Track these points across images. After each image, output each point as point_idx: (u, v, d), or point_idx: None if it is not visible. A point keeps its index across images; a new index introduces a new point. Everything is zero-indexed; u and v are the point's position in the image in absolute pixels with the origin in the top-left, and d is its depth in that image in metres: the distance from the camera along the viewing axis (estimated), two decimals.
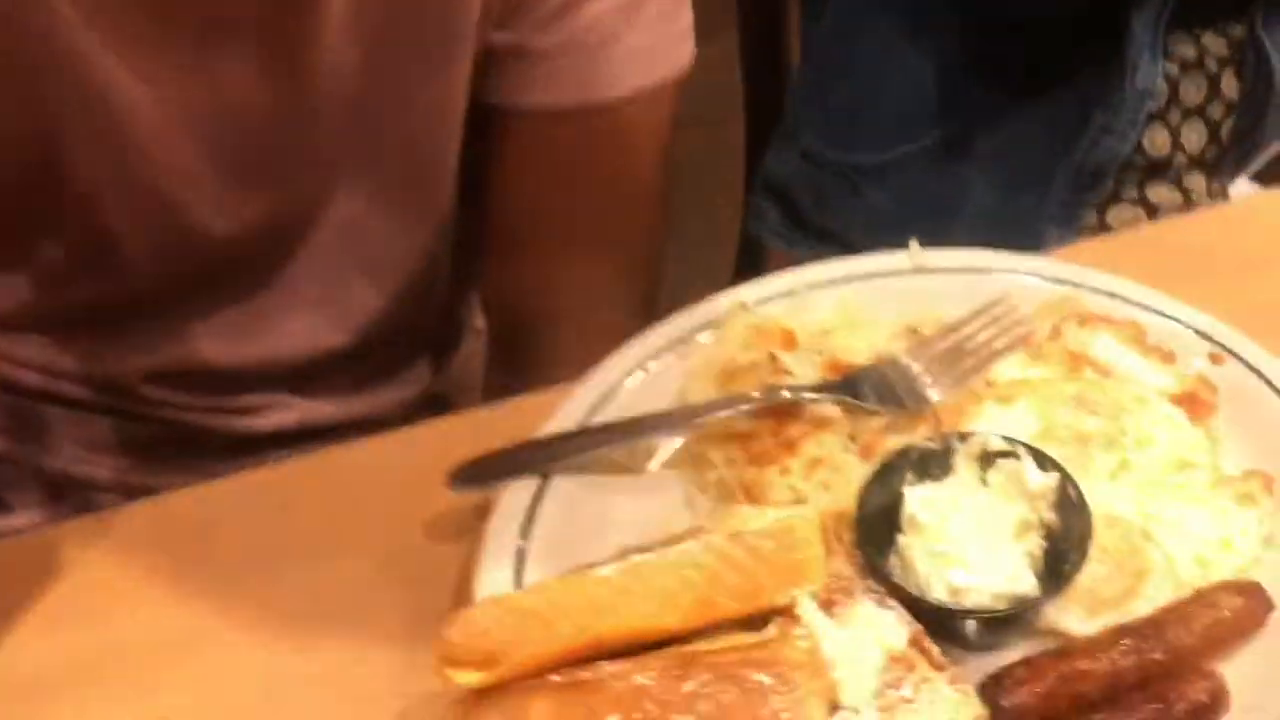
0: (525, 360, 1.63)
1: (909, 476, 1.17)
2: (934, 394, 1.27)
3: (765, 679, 0.89)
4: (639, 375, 1.32)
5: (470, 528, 1.18)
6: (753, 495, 1.21)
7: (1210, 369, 1.36)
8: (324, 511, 1.25)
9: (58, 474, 1.55)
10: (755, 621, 0.98)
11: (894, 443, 1.23)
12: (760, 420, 1.24)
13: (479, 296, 1.74)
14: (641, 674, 0.91)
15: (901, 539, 1.12)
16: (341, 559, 1.20)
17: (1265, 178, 2.45)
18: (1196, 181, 2.28)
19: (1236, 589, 1.12)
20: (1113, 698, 1.03)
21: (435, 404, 1.75)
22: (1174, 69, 2.16)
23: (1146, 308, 1.41)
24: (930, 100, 2.27)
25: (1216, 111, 2.24)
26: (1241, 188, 2.40)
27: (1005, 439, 1.17)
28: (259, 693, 1.11)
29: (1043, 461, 1.14)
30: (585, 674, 0.92)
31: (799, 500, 1.18)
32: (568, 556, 1.10)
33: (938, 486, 1.16)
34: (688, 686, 0.89)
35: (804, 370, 1.28)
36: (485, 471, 1.17)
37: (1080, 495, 1.11)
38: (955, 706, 0.91)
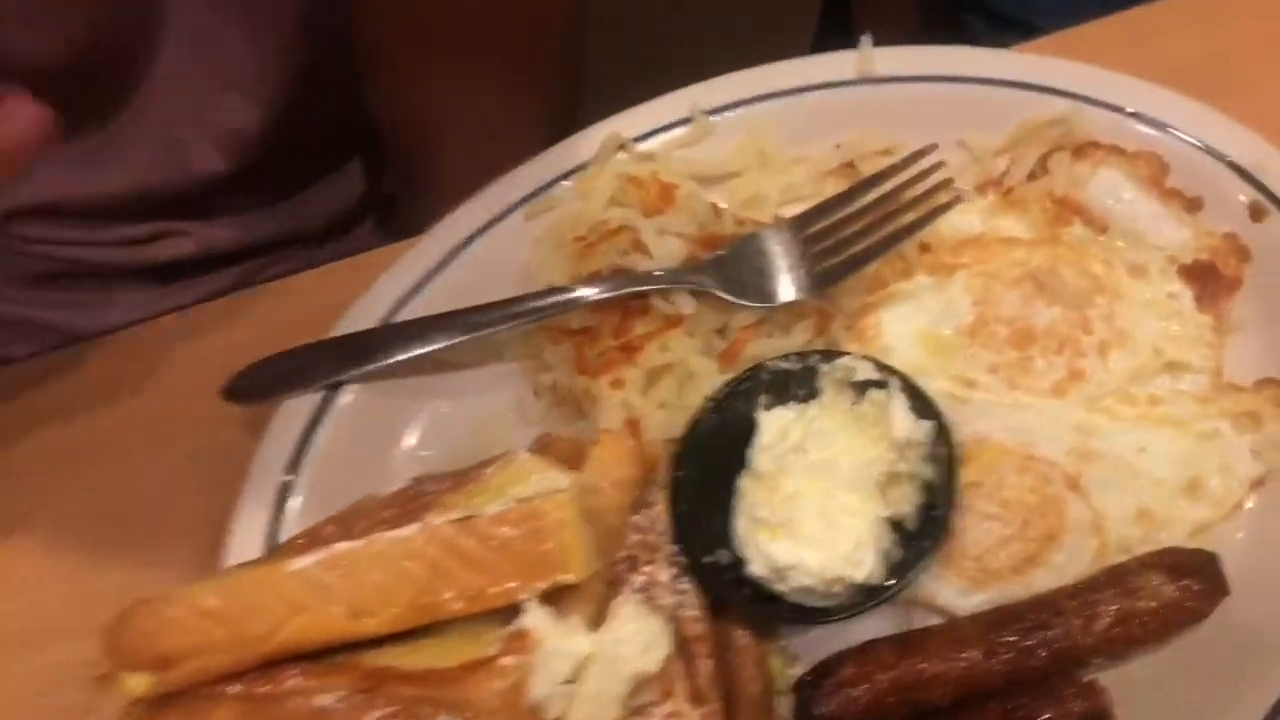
0: (419, 184, 1.40)
1: (765, 400, 0.92)
2: (825, 280, 0.97)
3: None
4: (482, 240, 1.08)
5: None
6: (583, 409, 0.99)
7: (1247, 226, 0.98)
8: (126, 401, 1.12)
9: None
10: (504, 614, 0.81)
11: (763, 347, 0.97)
12: (604, 313, 1.00)
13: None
14: (325, 693, 0.77)
15: (740, 483, 0.89)
16: (145, 457, 1.09)
17: None
18: None
19: (1171, 565, 0.84)
20: (963, 705, 0.82)
21: (387, 205, 1.57)
22: None
23: (1174, 131, 1.02)
24: None
25: None
26: None
27: (877, 366, 0.88)
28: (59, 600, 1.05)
29: (919, 399, 0.86)
30: (265, 687, 0.78)
31: (632, 419, 0.96)
32: (342, 493, 0.94)
33: (800, 415, 0.91)
34: (371, 716, 0.75)
35: (666, 246, 1.00)
36: (264, 381, 1.00)
37: (952, 454, 0.84)
38: None
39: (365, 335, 1.01)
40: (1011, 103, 1.06)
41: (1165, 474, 0.90)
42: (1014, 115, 1.06)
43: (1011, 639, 0.82)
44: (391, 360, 1.00)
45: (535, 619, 0.77)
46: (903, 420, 0.85)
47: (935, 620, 0.88)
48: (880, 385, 0.88)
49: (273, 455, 0.97)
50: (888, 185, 0.98)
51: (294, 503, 0.95)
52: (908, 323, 0.99)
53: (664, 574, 0.86)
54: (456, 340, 0.99)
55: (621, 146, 1.09)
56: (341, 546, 0.80)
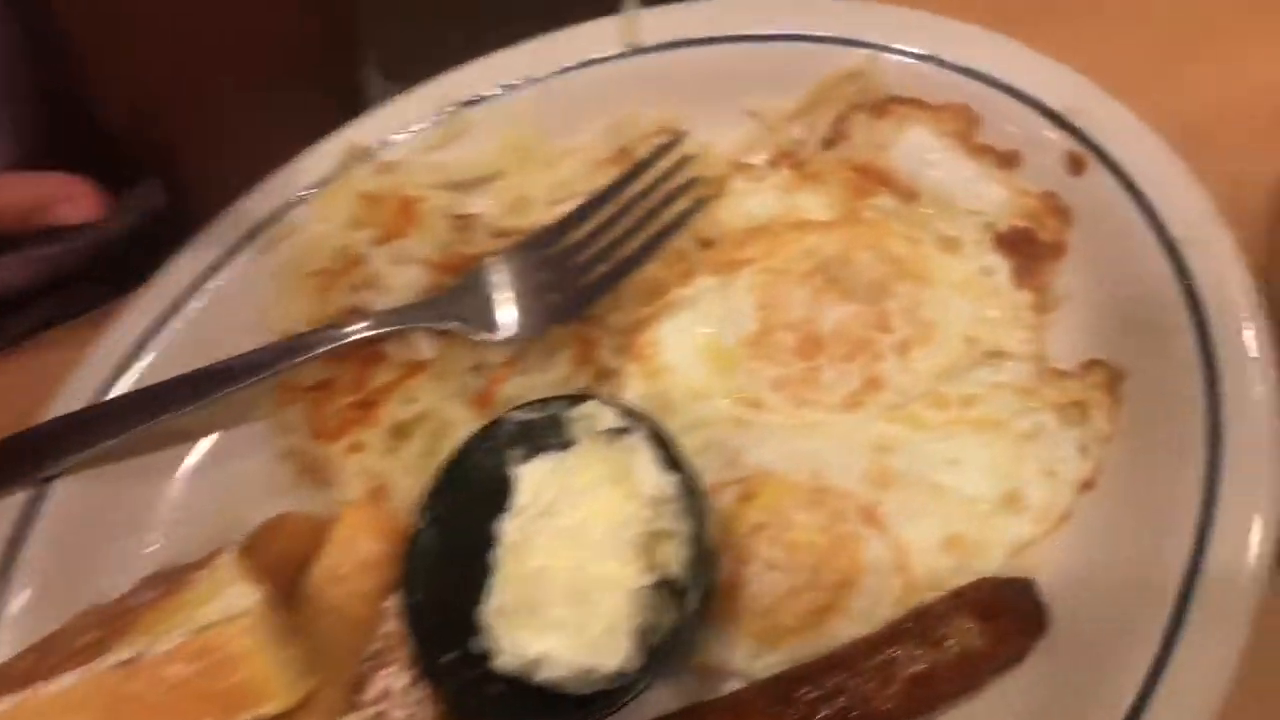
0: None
1: (516, 453, 0.79)
2: (571, 305, 0.83)
3: None
4: (213, 284, 0.94)
5: None
6: (323, 478, 0.87)
7: (1066, 182, 0.84)
8: None
9: None
10: None
11: (520, 386, 0.84)
12: (342, 364, 0.87)
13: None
14: None
15: (493, 553, 0.77)
16: None
17: None
18: None
19: (981, 606, 0.72)
20: None
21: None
22: None
23: (982, 76, 0.87)
24: None
25: None
26: None
27: (622, 412, 0.75)
28: None
29: (667, 448, 0.73)
30: None
31: (378, 488, 0.84)
32: (70, 605, 0.83)
33: (559, 466, 0.78)
34: None
35: (405, 277, 0.87)
36: None
37: (702, 508, 0.71)
38: None
39: (73, 419, 0.88)
40: (802, 59, 0.92)
41: (979, 489, 0.78)
42: (807, 73, 0.92)
43: (796, 711, 0.72)
44: (110, 441, 0.87)
45: None
46: (649, 475, 0.72)
47: (732, 684, 0.77)
48: (626, 431, 0.75)
49: None
50: (637, 186, 0.84)
51: (4, 624, 0.84)
52: (689, 335, 0.86)
53: (399, 680, 0.75)
54: (183, 411, 0.87)
55: (361, 158, 0.95)
56: (3, 703, 0.69)
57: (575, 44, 0.95)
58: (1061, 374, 0.82)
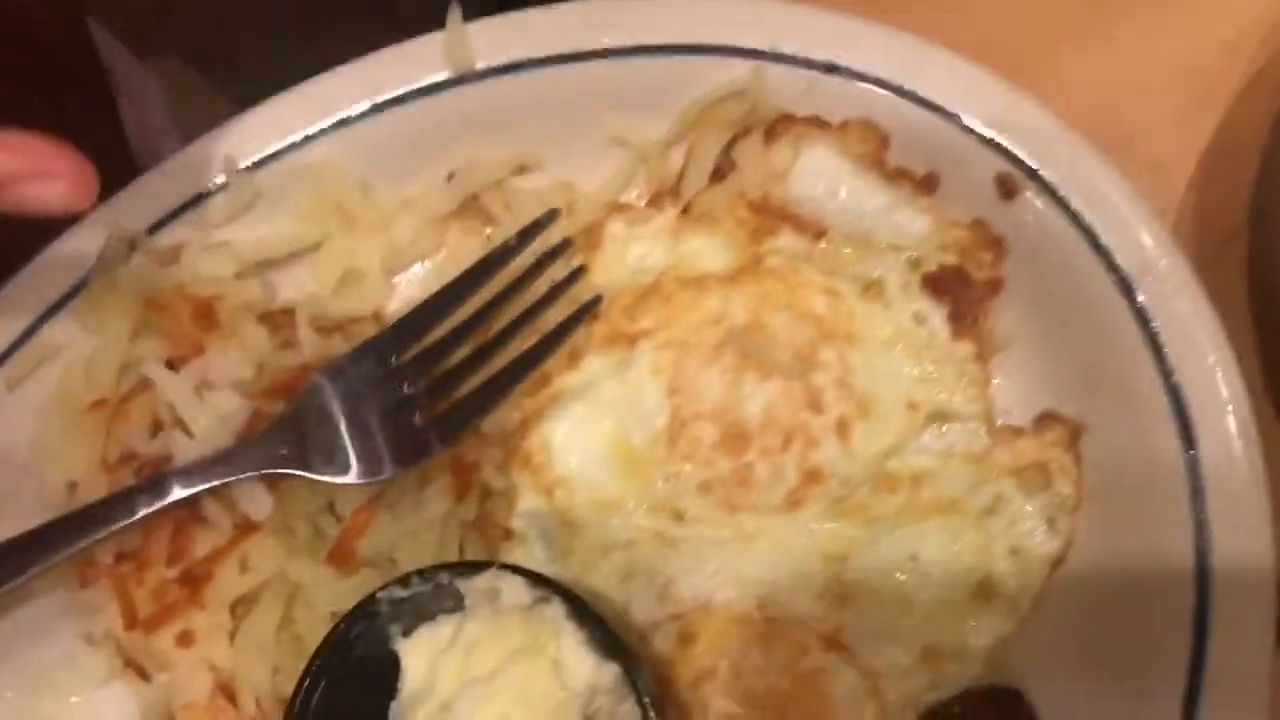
0: None
1: (398, 628, 0.63)
2: (437, 433, 0.67)
3: None
4: None
5: None
6: (148, 670, 0.68)
7: (997, 208, 0.73)
8: None
9: None
10: None
11: (389, 533, 0.67)
12: (146, 532, 0.67)
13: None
14: None
15: None
16: None
17: None
18: None
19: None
20: None
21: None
22: None
23: (889, 85, 0.74)
24: None
25: None
26: None
27: (531, 581, 0.60)
28: None
29: (589, 626, 0.59)
30: None
31: (225, 682, 0.66)
32: None
33: (455, 636, 0.63)
34: None
35: (214, 409, 0.68)
36: None
37: (645, 706, 0.58)
38: None
39: None
40: (673, 74, 0.75)
41: (946, 587, 0.68)
42: (680, 91, 0.76)
43: None
44: None
45: None
46: (579, 665, 0.58)
47: None
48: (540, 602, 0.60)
49: None
50: (498, 281, 0.68)
51: None
52: (585, 435, 0.71)
53: None
54: None
55: (132, 246, 0.73)
56: None
57: (392, 73, 0.76)
58: (1015, 432, 0.72)
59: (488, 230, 0.78)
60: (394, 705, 0.63)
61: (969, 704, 0.65)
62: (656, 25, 0.75)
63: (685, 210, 0.77)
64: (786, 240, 0.76)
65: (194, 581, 0.66)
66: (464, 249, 0.77)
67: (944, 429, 0.72)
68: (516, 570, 0.61)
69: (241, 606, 0.67)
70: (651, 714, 0.57)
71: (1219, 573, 0.64)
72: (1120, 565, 0.67)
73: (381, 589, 0.62)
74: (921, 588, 0.68)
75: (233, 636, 0.67)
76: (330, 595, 0.67)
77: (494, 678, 0.61)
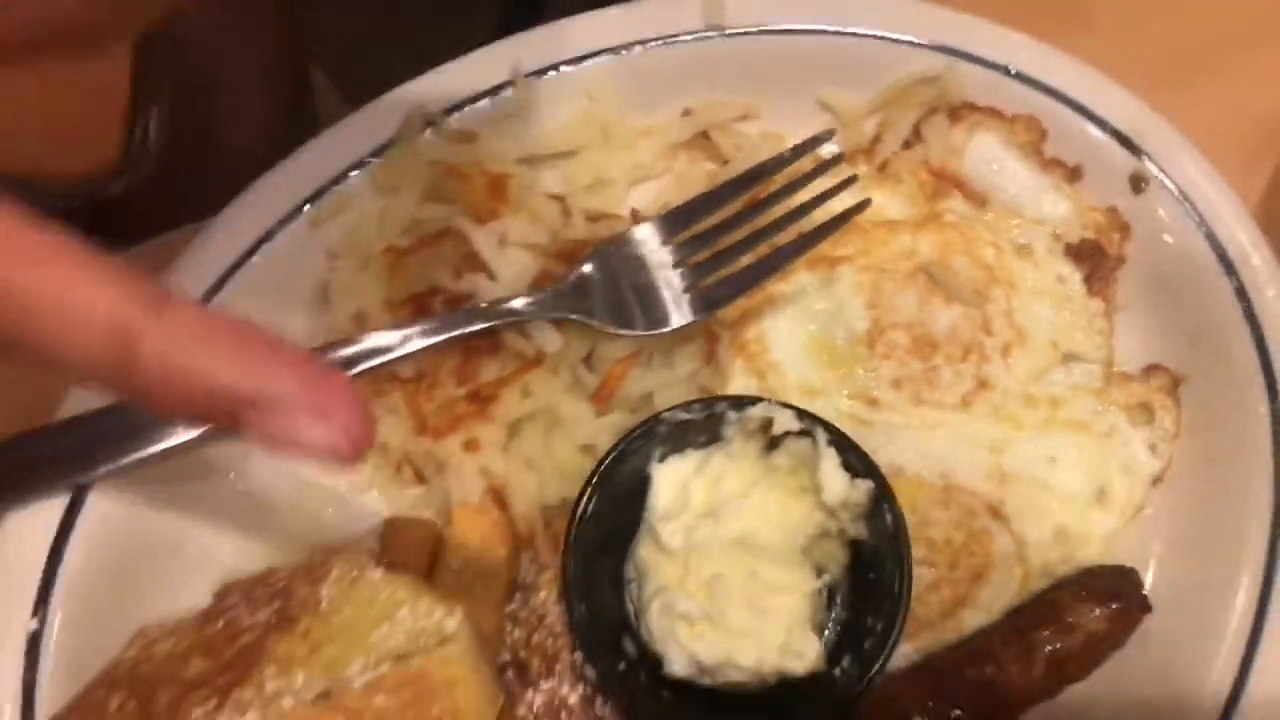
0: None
1: (660, 451, 0.76)
2: (713, 298, 0.81)
3: None
4: (256, 260, 0.82)
5: None
6: (425, 478, 0.80)
7: (1128, 199, 0.92)
8: None
9: None
10: None
11: (644, 381, 0.81)
12: (440, 353, 0.79)
13: None
14: None
15: (643, 552, 0.75)
16: None
17: None
18: None
19: (1100, 592, 0.78)
20: None
21: None
22: None
23: (1054, 92, 0.92)
24: None
25: None
26: None
27: (798, 414, 0.75)
28: None
29: (850, 458, 0.74)
30: None
31: (494, 487, 0.78)
32: (114, 627, 0.71)
33: (702, 465, 0.76)
34: None
35: (509, 261, 0.80)
36: None
37: (899, 524, 0.73)
38: None
39: (102, 416, 0.74)
40: (880, 57, 0.93)
41: (1076, 485, 0.84)
42: (882, 72, 0.93)
43: (950, 699, 0.75)
44: (149, 450, 0.74)
45: None
46: (836, 482, 0.72)
47: None
48: (802, 435, 0.75)
49: (9, 592, 0.70)
50: (776, 182, 0.83)
51: (49, 653, 0.70)
52: (795, 332, 0.86)
53: (573, 694, 0.71)
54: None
55: (430, 123, 0.86)
56: None
57: (656, 17, 0.91)
58: (1127, 377, 0.89)
59: (708, 165, 0.93)
60: (646, 518, 0.76)
61: (1091, 576, 0.81)
62: (870, 16, 0.93)
63: (880, 168, 0.93)
64: (957, 204, 0.93)
65: (481, 400, 0.78)
66: (690, 175, 0.92)
67: (1073, 367, 0.89)
68: (785, 405, 0.75)
69: (516, 428, 0.79)
70: (902, 520, 0.71)
71: None
72: (1208, 488, 0.85)
73: (665, 411, 0.75)
74: (1057, 484, 0.84)
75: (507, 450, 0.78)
76: (587, 430, 0.79)
77: (746, 490, 0.75)
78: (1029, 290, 0.89)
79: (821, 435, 0.73)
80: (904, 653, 0.78)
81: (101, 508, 0.74)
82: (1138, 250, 0.91)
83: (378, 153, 0.85)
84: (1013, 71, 0.92)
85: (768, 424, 0.74)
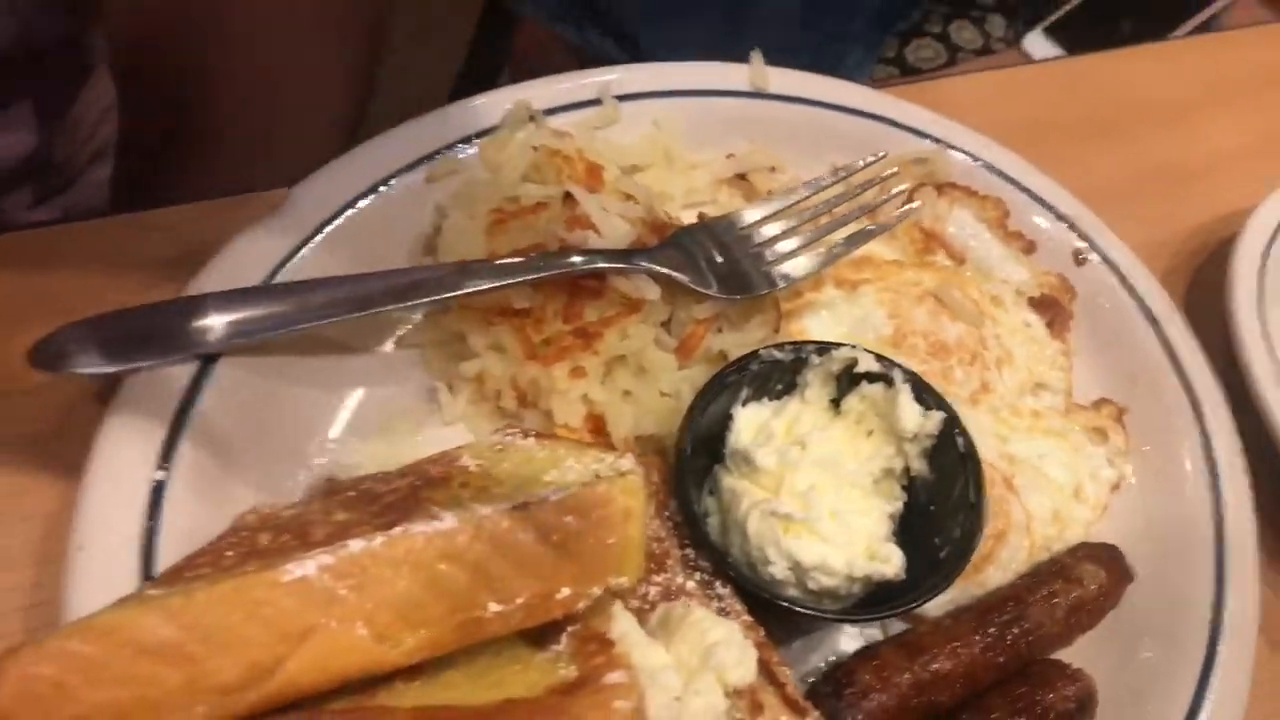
0: (175, 150, 1.12)
1: (745, 393, 0.85)
2: (786, 273, 0.94)
3: None
4: (369, 200, 0.89)
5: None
6: (528, 401, 0.85)
7: (1072, 269, 1.13)
8: None
9: None
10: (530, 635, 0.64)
11: (721, 341, 0.91)
12: (545, 294, 0.87)
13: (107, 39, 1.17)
14: None
15: (729, 481, 0.82)
16: None
17: (1058, 34, 2.30)
18: (996, 25, 2.10)
19: (1097, 557, 0.92)
20: (970, 702, 0.81)
21: (48, 174, 1.22)
22: None
23: (1015, 182, 1.15)
24: None
25: None
26: (1035, 42, 2.23)
27: (878, 358, 0.87)
28: None
29: (922, 394, 0.86)
30: None
31: (593, 414, 0.84)
32: (235, 497, 0.70)
33: (779, 411, 0.85)
34: None
35: (613, 226, 0.91)
36: (100, 346, 0.72)
37: (969, 446, 0.85)
38: None
39: (234, 296, 0.77)
40: (885, 137, 1.12)
41: (1062, 479, 0.99)
42: (884, 149, 1.12)
43: (996, 633, 0.84)
44: (275, 331, 0.77)
45: (624, 626, 0.63)
46: (911, 412, 0.83)
47: (895, 625, 0.87)
48: (875, 379, 0.86)
49: (137, 441, 0.69)
50: (836, 188, 0.98)
51: (174, 505, 0.68)
52: (830, 331, 0.98)
53: (689, 581, 0.75)
54: (358, 315, 0.79)
55: (531, 118, 0.97)
56: (355, 545, 0.59)
57: (714, 74, 1.08)
58: (1082, 407, 1.06)
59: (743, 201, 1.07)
60: (729, 452, 0.83)
61: (1085, 547, 0.93)
62: (881, 105, 1.13)
63: None
64: (941, 258, 1.11)
65: (586, 336, 0.85)
66: (730, 206, 1.06)
67: (1042, 394, 1.06)
68: (866, 350, 0.86)
69: (610, 367, 0.86)
70: (972, 443, 0.82)
71: (1226, 489, 0.98)
72: (1160, 488, 1.01)
73: (762, 349, 0.84)
74: (1049, 474, 0.98)
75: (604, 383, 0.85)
76: (669, 379, 0.87)
77: (819, 432, 0.84)
78: (1007, 328, 1.07)
79: (898, 374, 0.85)
80: (941, 601, 0.87)
81: (226, 378, 0.74)
82: (1083, 309, 1.11)
83: (484, 134, 0.95)
84: (984, 162, 1.14)
85: (847, 367, 0.85)
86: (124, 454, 0.68)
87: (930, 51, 2.01)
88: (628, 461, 0.68)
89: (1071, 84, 1.44)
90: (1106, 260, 1.12)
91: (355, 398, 0.83)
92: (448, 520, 0.61)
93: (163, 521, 0.67)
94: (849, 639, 0.85)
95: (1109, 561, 0.92)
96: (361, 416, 0.82)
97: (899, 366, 0.86)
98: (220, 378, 0.74)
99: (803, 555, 0.77)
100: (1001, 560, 0.91)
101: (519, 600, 0.62)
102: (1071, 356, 1.09)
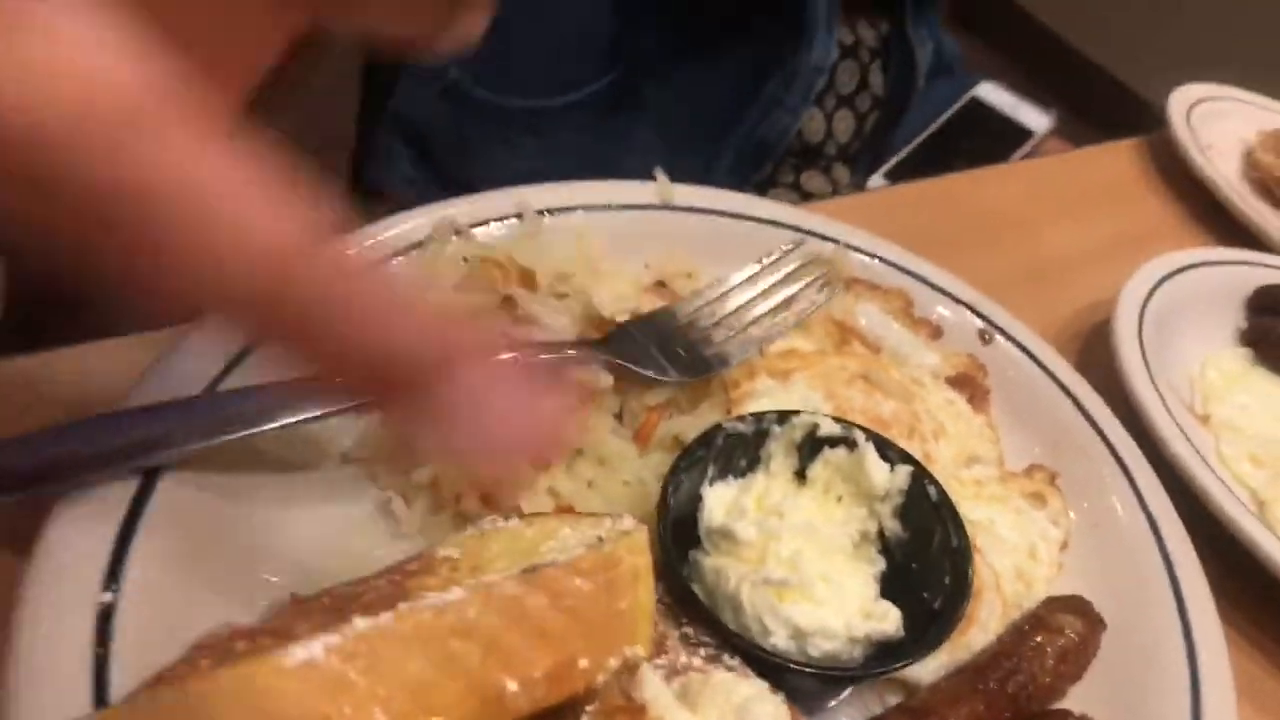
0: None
1: (711, 472, 0.84)
2: (731, 355, 0.94)
3: None
4: None
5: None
6: (492, 502, 0.80)
7: (979, 348, 1.18)
8: None
9: None
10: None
11: (674, 426, 0.89)
12: None
13: None
14: None
15: (710, 561, 0.79)
16: None
17: (896, 176, 2.49)
18: (841, 173, 2.27)
19: (1069, 607, 0.92)
20: None
21: None
22: (834, 54, 2.11)
23: (913, 274, 1.21)
24: (596, 41, 1.99)
25: (864, 103, 2.21)
26: (878, 185, 2.41)
27: (839, 421, 0.87)
28: None
29: (886, 451, 0.87)
30: None
31: (560, 508, 0.80)
32: (189, 620, 0.63)
33: (746, 488, 0.84)
34: None
35: (556, 321, 0.90)
36: (34, 467, 0.65)
37: (941, 495, 0.85)
38: None
39: (180, 406, 0.72)
40: (786, 241, 1.17)
41: (1015, 540, 0.99)
42: (794, 254, 1.17)
43: (996, 688, 0.82)
44: (212, 440, 0.71)
45: (654, 689, 0.59)
46: (879, 470, 0.83)
47: (891, 697, 0.84)
48: (836, 444, 0.86)
49: (79, 562, 0.61)
50: (764, 279, 1.01)
51: (122, 630, 0.60)
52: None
53: (694, 659, 0.70)
54: (305, 417, 0.75)
55: (457, 232, 0.97)
56: (361, 624, 0.53)
57: (624, 191, 1.11)
58: (1015, 475, 1.09)
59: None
60: (703, 534, 0.81)
61: (1054, 600, 0.93)
62: (781, 213, 1.18)
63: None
64: (858, 348, 1.14)
65: None
66: (652, 306, 1.07)
67: (975, 467, 1.08)
68: (824, 415, 0.86)
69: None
70: (944, 491, 0.82)
71: (1161, 523, 1.02)
72: (1104, 540, 1.03)
73: (725, 421, 0.83)
74: (1002, 537, 0.98)
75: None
76: (630, 467, 0.85)
77: (791, 499, 0.82)
78: (934, 404, 1.09)
79: (858, 433, 0.85)
80: (934, 667, 0.85)
81: (172, 494, 0.68)
82: (996, 383, 1.16)
83: (412, 249, 0.94)
84: (884, 259, 1.20)
85: (809, 433, 0.85)
86: (69, 571, 0.61)
87: (787, 198, 2.14)
88: (628, 521, 0.65)
89: (932, 203, 1.56)
90: (1009, 337, 1.18)
91: (306, 517, 0.76)
92: (455, 592, 0.56)
93: (113, 649, 0.59)
94: (852, 713, 0.81)
95: (1080, 610, 0.92)
96: (315, 535, 0.76)
97: (858, 427, 0.87)
98: (163, 495, 0.68)
99: (801, 621, 0.74)
100: (981, 620, 0.90)
101: (537, 675, 0.57)
102: (996, 429, 1.13)
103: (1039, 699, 0.84)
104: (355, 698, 0.51)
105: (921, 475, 0.86)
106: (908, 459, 0.86)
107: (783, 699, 0.65)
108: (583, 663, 0.59)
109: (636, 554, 0.62)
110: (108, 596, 0.61)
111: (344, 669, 0.51)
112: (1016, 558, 0.97)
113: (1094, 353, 1.31)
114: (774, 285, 1.03)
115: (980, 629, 0.89)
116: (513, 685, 0.56)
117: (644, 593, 0.62)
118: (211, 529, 0.70)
